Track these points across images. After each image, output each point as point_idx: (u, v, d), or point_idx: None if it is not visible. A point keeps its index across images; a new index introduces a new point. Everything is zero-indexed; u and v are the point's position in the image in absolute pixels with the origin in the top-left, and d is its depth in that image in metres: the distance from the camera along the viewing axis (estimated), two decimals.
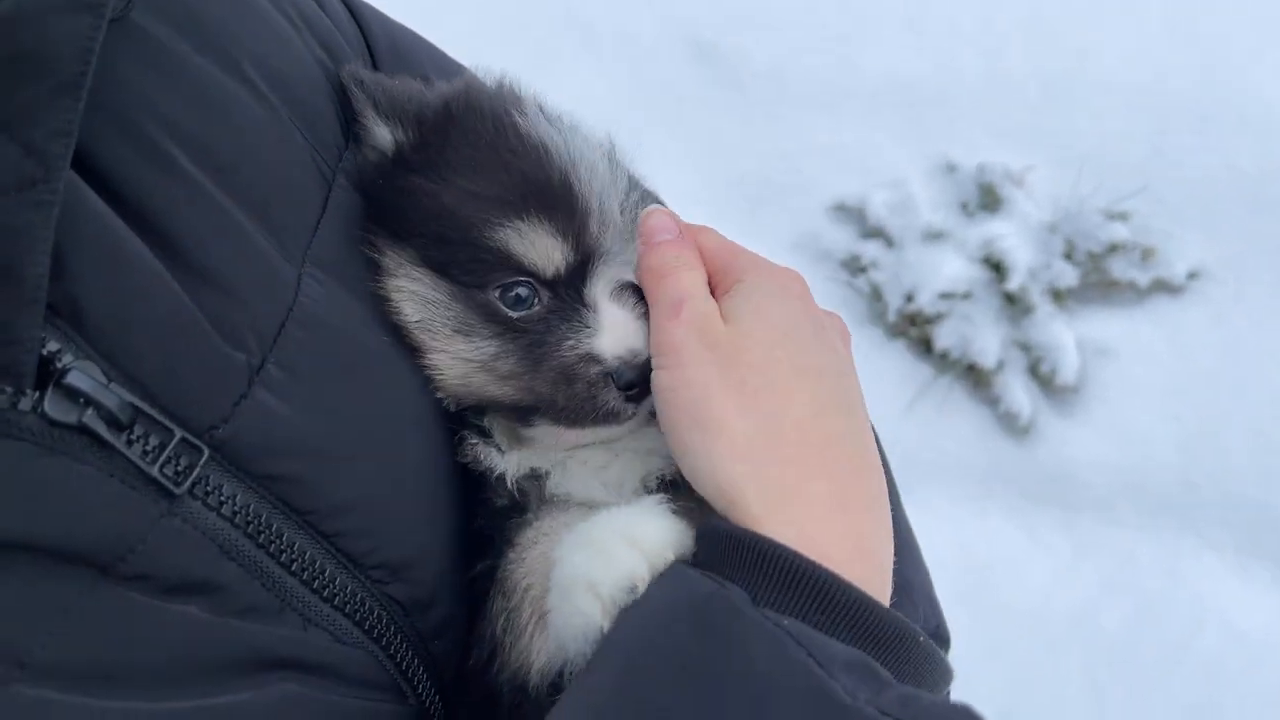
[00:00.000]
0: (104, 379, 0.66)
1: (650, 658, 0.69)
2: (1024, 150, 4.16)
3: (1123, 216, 3.88)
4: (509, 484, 0.96)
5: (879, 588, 0.78)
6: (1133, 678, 3.20)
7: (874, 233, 4.00)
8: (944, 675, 0.79)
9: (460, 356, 0.90)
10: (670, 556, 0.77)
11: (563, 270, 0.93)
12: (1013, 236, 3.83)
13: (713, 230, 0.99)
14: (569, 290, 0.94)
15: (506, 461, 0.96)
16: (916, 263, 3.82)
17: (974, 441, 3.68)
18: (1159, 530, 3.48)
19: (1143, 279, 3.77)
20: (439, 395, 0.94)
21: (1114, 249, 3.79)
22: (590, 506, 0.95)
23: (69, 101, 0.64)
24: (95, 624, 0.64)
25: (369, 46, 1.14)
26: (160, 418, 0.68)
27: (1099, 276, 3.82)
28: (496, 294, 0.91)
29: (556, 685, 0.84)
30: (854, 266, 3.96)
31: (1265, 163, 4.04)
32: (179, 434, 0.69)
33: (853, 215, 4.11)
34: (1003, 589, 3.43)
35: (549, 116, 0.98)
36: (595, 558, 0.76)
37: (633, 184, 1.03)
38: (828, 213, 4.15)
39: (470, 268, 0.90)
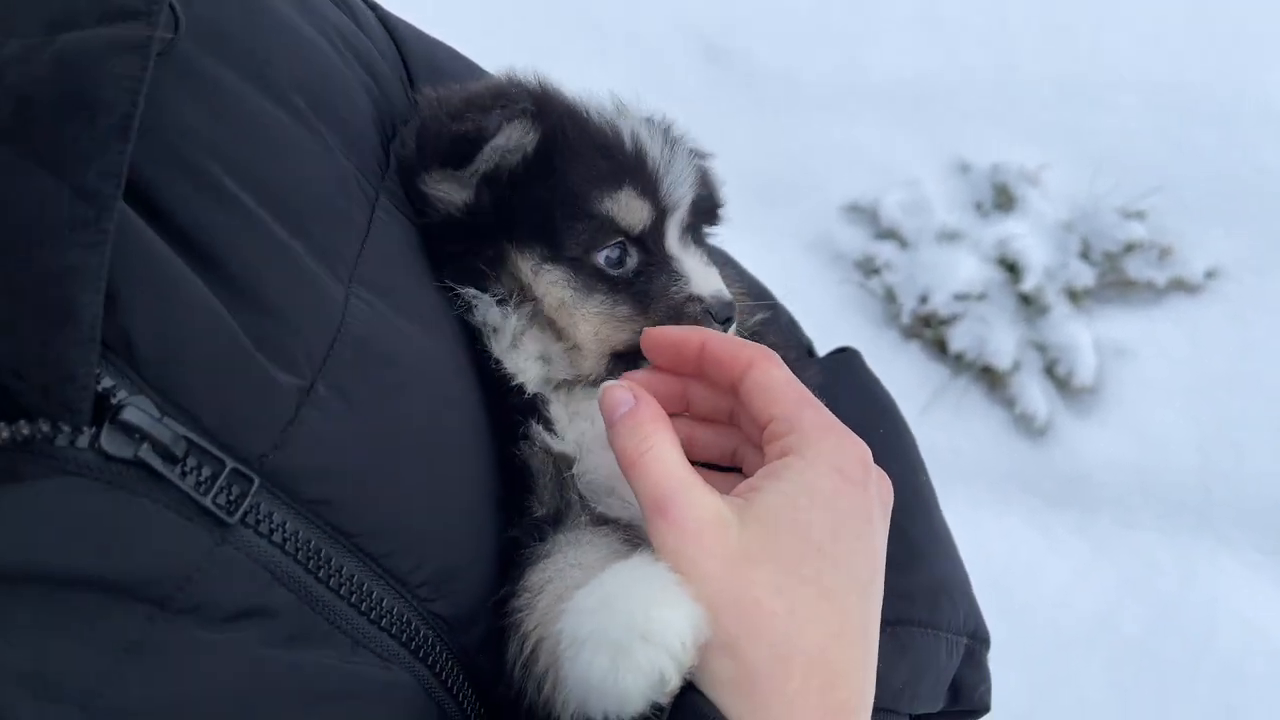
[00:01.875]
0: (157, 413, 0.67)
1: None
2: (1039, 149, 4.14)
3: (1140, 215, 3.85)
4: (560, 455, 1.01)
5: None
6: (1153, 679, 3.18)
7: (888, 234, 3.98)
8: None
9: (591, 313, 1.03)
10: (691, 653, 0.73)
11: (647, 226, 1.05)
12: (1028, 236, 3.81)
13: (773, 359, 0.87)
14: (653, 244, 1.07)
15: (564, 443, 1.03)
16: (931, 263, 3.81)
17: (990, 443, 3.66)
18: (1177, 531, 3.45)
19: (1160, 278, 3.74)
20: (514, 398, 1.00)
21: (1131, 248, 3.77)
22: (606, 527, 0.97)
23: (118, 143, 0.66)
24: (157, 660, 0.65)
25: (405, 64, 1.15)
26: (212, 448, 0.70)
27: (1116, 276, 3.79)
28: (601, 258, 1.03)
29: None
30: (868, 268, 3.95)
31: None
32: (230, 464, 0.70)
33: (866, 216, 4.09)
34: (1020, 591, 3.41)
35: (598, 102, 1.11)
36: (619, 658, 0.73)
37: (676, 140, 1.14)
38: (841, 214, 4.13)
39: (581, 239, 1.03)
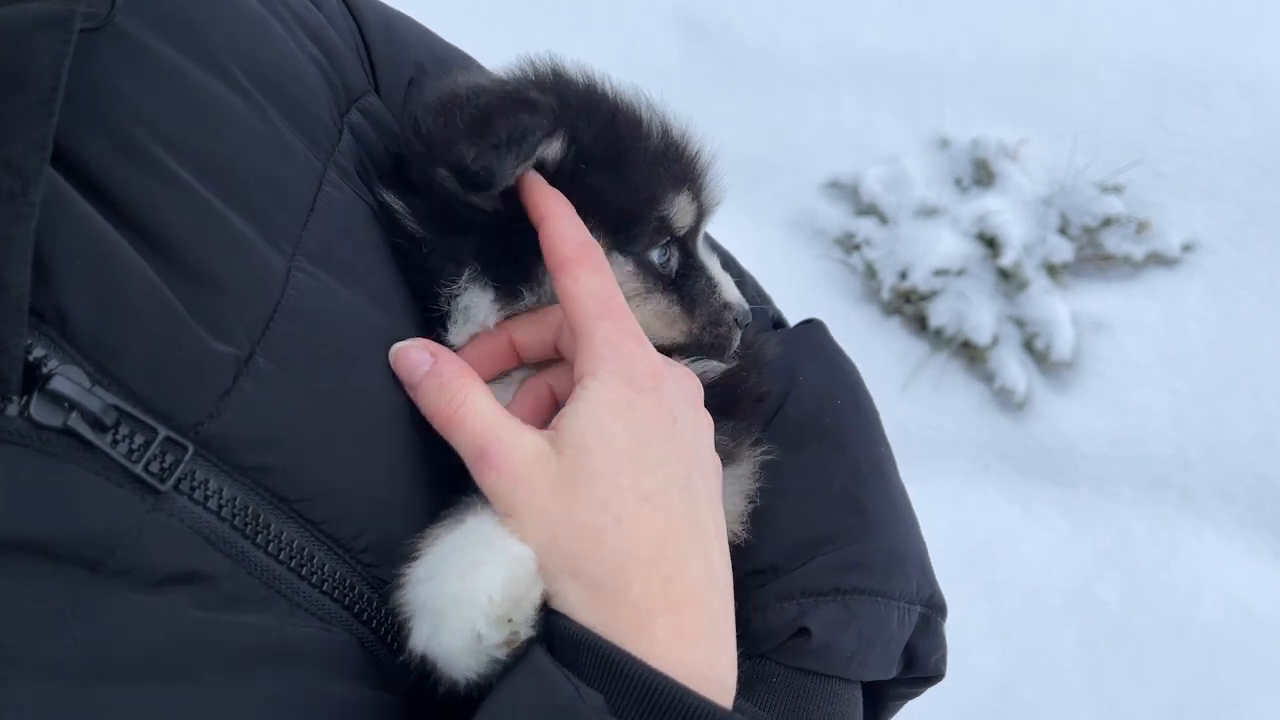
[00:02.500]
0: (87, 383, 0.68)
1: None
2: (1019, 124, 4.15)
3: (1117, 189, 3.86)
4: None
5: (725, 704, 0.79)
6: (1131, 652, 3.21)
7: (868, 210, 3.99)
8: None
9: (646, 312, 1.02)
10: (503, 605, 0.77)
11: (689, 229, 1.06)
12: (1007, 212, 3.81)
13: (582, 262, 0.89)
14: (688, 248, 1.07)
15: None
16: (911, 239, 3.81)
17: (970, 418, 3.68)
18: (1156, 504, 3.48)
19: (1138, 252, 3.75)
20: None
21: (1108, 222, 3.78)
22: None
23: (44, 116, 0.66)
24: (88, 620, 0.66)
25: (363, 35, 1.14)
26: (144, 417, 0.70)
27: (1094, 250, 3.81)
28: (654, 255, 1.03)
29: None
30: (848, 244, 3.95)
31: (1265, 132, 4.02)
32: (163, 432, 0.71)
33: (846, 193, 4.09)
34: (1000, 565, 3.44)
35: (633, 93, 1.08)
36: (437, 624, 0.78)
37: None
38: (821, 190, 4.13)
39: (647, 236, 1.02)
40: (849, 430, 1.14)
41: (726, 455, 1.01)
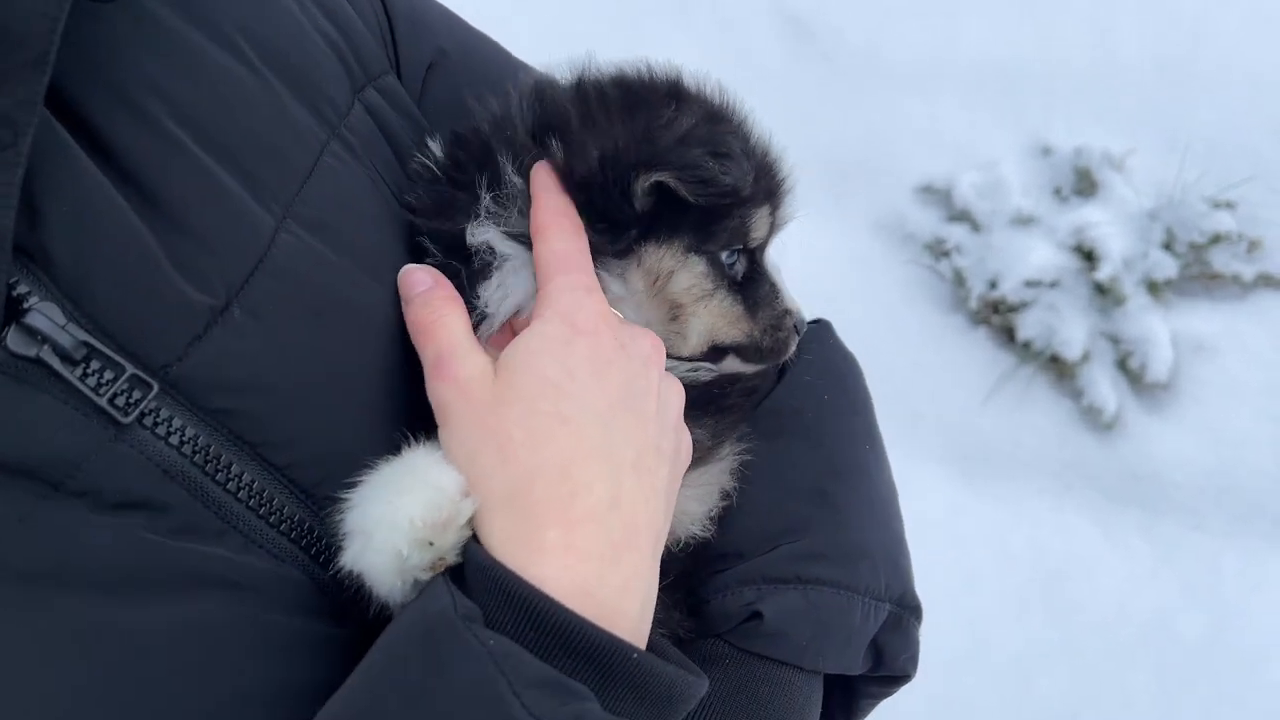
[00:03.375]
0: (62, 319, 0.75)
1: (385, 680, 0.77)
2: (1128, 134, 3.98)
3: (1229, 205, 3.67)
4: None
5: (607, 623, 0.81)
6: (1206, 688, 3.06)
7: (960, 216, 3.88)
8: (677, 691, 0.82)
9: (715, 307, 1.08)
10: (424, 529, 0.83)
11: (761, 241, 1.12)
12: (1107, 225, 3.66)
13: (555, 232, 0.98)
14: (759, 255, 1.13)
15: None
16: (1003, 248, 3.70)
17: (1054, 435, 3.55)
18: (1247, 537, 3.30)
19: (1247, 272, 3.57)
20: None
21: (1217, 239, 3.60)
22: None
23: (37, 75, 0.72)
24: (47, 530, 0.73)
25: (388, 15, 1.18)
26: (114, 355, 0.77)
27: (1200, 268, 3.63)
28: (725, 257, 1.09)
29: None
30: (937, 250, 3.86)
31: None
32: (130, 369, 0.77)
33: (939, 197, 3.99)
34: (1076, 590, 3.31)
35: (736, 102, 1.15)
36: (365, 544, 0.84)
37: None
38: (913, 194, 4.04)
39: (722, 239, 1.07)
40: (830, 426, 1.16)
41: (708, 452, 1.05)
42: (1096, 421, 3.49)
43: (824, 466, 1.11)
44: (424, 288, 0.96)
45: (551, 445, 0.86)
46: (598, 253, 1.01)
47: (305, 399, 0.88)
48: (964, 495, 3.46)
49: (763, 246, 1.13)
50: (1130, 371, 3.50)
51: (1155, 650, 3.16)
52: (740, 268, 1.10)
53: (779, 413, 1.15)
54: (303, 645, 0.85)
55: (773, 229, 1.14)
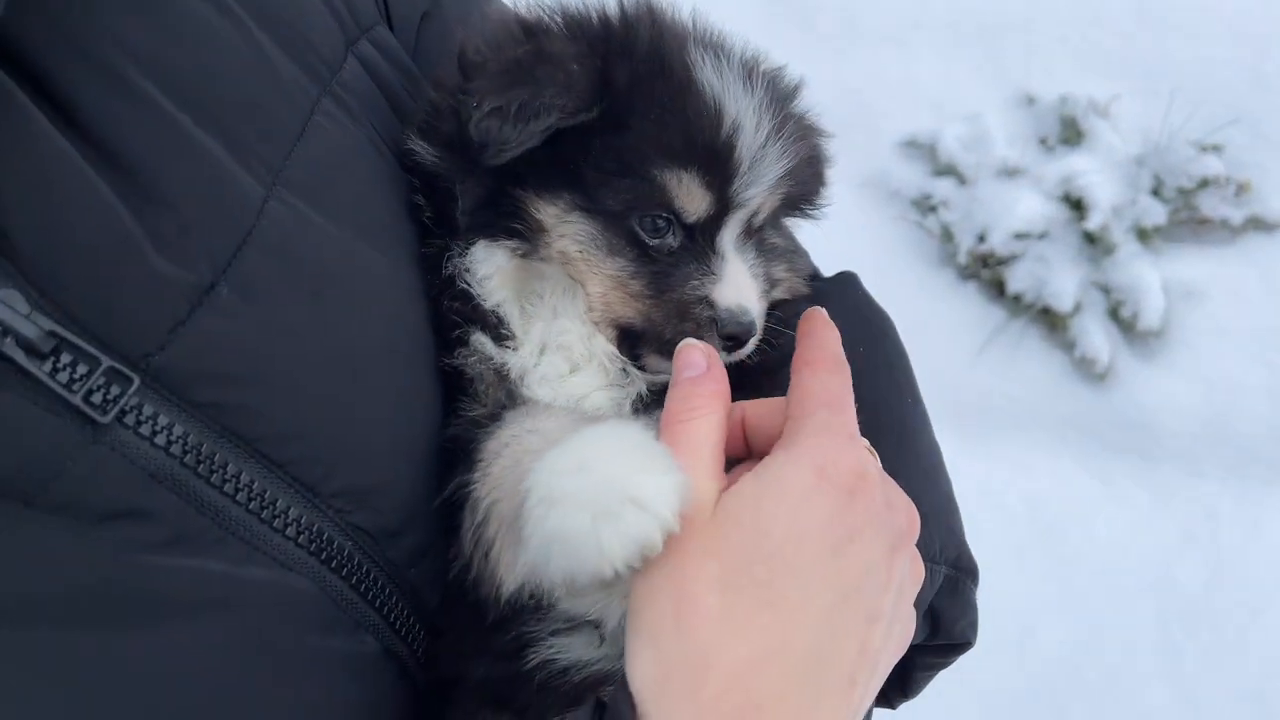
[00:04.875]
0: (25, 308, 0.66)
1: None
2: (1112, 80, 3.94)
3: (1216, 149, 3.64)
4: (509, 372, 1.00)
5: None
6: (1209, 636, 3.06)
7: (945, 170, 3.84)
8: None
9: (606, 273, 0.99)
10: (677, 522, 0.70)
11: (702, 217, 1.00)
12: (1095, 173, 3.63)
13: (820, 364, 0.83)
14: (704, 234, 1.01)
15: (518, 355, 1.01)
16: (990, 201, 3.66)
17: (1048, 387, 3.53)
18: (1244, 482, 3.30)
19: (1236, 216, 3.55)
20: (461, 305, 0.97)
21: (1205, 184, 3.57)
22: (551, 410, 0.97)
23: None
24: (18, 556, 0.64)
25: None
26: (87, 346, 0.68)
27: (1189, 213, 3.61)
28: (638, 221, 0.98)
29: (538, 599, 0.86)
30: (924, 206, 3.82)
31: None
32: (106, 362, 0.69)
33: (923, 152, 3.95)
34: (1073, 540, 3.31)
35: (720, 63, 1.01)
36: (600, 520, 0.70)
37: (779, 105, 1.05)
38: (897, 150, 3.99)
39: (624, 197, 0.97)
40: (868, 380, 1.05)
41: None
42: (1090, 372, 3.47)
43: (867, 424, 1.02)
44: (692, 373, 0.83)
45: (746, 633, 0.69)
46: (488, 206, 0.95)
47: (305, 387, 0.80)
48: (959, 452, 3.43)
49: (709, 225, 1.01)
50: (1122, 320, 3.48)
51: (1155, 598, 3.16)
52: (671, 241, 1.00)
53: None
54: (316, 666, 0.79)
55: (722, 207, 1.00)
